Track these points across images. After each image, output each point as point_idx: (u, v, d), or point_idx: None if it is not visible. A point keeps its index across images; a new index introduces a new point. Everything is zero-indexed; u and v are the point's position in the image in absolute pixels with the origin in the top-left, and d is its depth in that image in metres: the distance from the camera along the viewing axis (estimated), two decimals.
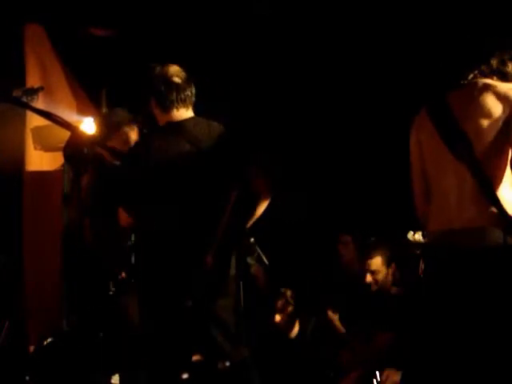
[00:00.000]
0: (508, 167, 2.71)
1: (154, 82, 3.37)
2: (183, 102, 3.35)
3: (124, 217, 3.38)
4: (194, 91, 3.40)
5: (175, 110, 3.35)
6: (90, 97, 5.73)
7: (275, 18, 5.23)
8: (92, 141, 3.01)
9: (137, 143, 3.68)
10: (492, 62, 2.84)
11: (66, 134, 4.19)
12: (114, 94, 5.61)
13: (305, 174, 5.44)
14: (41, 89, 4.77)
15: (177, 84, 3.34)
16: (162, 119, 3.40)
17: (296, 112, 5.47)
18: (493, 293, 2.64)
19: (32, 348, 4.85)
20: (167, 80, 3.34)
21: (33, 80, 5.29)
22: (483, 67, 2.85)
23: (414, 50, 4.80)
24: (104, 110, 5.55)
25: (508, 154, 2.70)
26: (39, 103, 4.69)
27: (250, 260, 3.35)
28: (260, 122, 5.11)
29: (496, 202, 2.64)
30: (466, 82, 2.86)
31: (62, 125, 2.28)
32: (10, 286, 5.16)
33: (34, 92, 4.67)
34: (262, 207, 3.35)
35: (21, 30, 5.47)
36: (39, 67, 5.57)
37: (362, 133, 5.46)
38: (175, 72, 3.36)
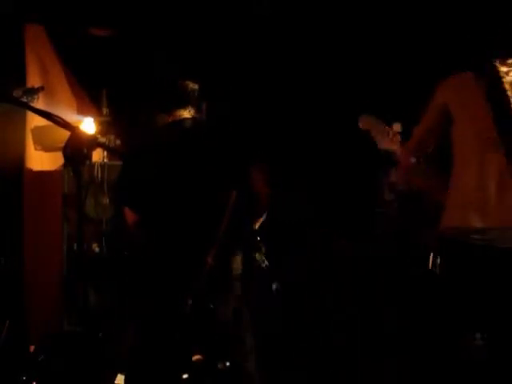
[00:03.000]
0: None
1: (156, 83, 3.37)
2: (184, 103, 3.35)
3: (130, 215, 3.39)
4: (196, 92, 3.39)
5: (176, 111, 3.34)
6: (90, 97, 5.73)
7: (275, 19, 5.23)
8: (92, 141, 3.01)
9: (137, 144, 3.67)
10: None
11: (66, 134, 4.18)
12: (115, 94, 5.61)
13: (305, 174, 5.43)
14: (41, 89, 4.77)
15: (178, 84, 3.33)
16: (163, 120, 3.39)
17: (295, 111, 5.46)
18: None
19: (32, 348, 4.85)
20: (168, 81, 3.34)
21: (33, 80, 5.29)
22: None
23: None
24: (105, 110, 5.55)
25: None
26: (39, 103, 4.69)
27: (257, 256, 3.38)
28: (260, 122, 5.11)
29: None
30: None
31: (62, 125, 2.28)
32: (10, 286, 5.15)
33: (34, 92, 4.66)
34: (262, 207, 3.35)
35: (21, 30, 5.46)
36: (39, 67, 5.57)
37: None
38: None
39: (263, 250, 3.40)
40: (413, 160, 2.85)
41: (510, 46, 2.77)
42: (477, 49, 2.87)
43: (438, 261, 2.76)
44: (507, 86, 2.68)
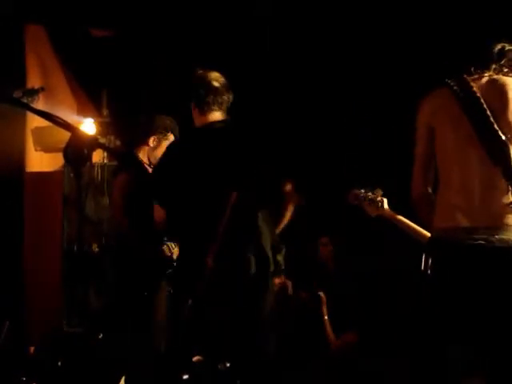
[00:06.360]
0: None
1: (195, 85, 3.46)
2: (219, 106, 3.45)
3: (159, 215, 3.46)
4: (231, 97, 3.49)
5: (211, 113, 3.44)
6: (90, 97, 5.74)
7: (276, 20, 5.24)
8: (92, 142, 3.02)
9: (173, 144, 3.78)
10: (503, 59, 2.83)
11: (66, 135, 4.19)
12: (115, 95, 5.62)
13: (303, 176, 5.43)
14: (41, 89, 4.78)
15: (215, 88, 3.43)
16: (198, 121, 3.49)
17: (298, 113, 5.47)
18: None
19: (32, 348, 4.87)
20: (207, 83, 3.44)
21: (33, 80, 5.31)
22: (496, 63, 2.83)
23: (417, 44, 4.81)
24: (104, 111, 5.57)
25: None
26: (40, 104, 4.70)
27: (279, 258, 3.45)
28: (263, 123, 5.11)
29: None
30: (484, 74, 2.83)
31: (62, 126, 2.28)
32: (11, 286, 5.17)
33: (34, 92, 4.67)
34: (289, 210, 3.46)
35: (21, 31, 5.48)
36: (40, 68, 5.59)
37: (362, 133, 5.46)
38: (215, 77, 3.47)
39: (283, 251, 3.47)
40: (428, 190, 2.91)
41: (477, 61, 2.85)
42: (450, 66, 2.94)
43: (430, 262, 2.80)
44: (481, 97, 2.75)
